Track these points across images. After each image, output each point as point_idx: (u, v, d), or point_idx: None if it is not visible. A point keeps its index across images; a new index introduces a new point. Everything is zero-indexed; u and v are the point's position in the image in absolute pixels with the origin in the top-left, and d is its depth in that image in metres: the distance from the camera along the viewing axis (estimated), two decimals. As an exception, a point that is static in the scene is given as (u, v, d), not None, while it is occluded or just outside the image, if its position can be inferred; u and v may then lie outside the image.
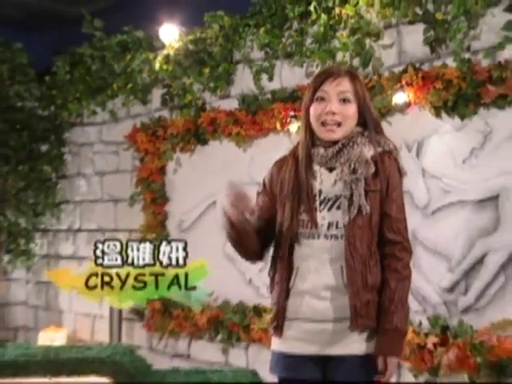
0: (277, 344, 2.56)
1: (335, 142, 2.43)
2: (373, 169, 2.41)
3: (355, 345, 2.39)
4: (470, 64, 3.70)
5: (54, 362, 2.48)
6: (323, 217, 2.44)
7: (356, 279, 2.38)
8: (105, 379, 2.40)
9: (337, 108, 2.39)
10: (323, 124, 2.41)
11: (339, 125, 2.41)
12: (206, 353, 5.31)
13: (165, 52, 5.48)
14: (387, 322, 2.36)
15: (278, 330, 2.51)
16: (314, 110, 2.43)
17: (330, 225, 2.43)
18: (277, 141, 4.75)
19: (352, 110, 2.43)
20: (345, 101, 2.41)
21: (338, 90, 2.42)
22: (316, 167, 2.48)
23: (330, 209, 2.44)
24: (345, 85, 2.43)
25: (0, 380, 2.69)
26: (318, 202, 2.45)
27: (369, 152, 2.43)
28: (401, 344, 2.41)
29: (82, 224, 6.60)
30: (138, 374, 2.41)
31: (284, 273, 2.49)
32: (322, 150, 2.44)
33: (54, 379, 2.50)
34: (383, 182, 2.41)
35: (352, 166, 2.41)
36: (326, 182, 2.46)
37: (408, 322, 2.50)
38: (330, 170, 2.46)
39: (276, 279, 2.55)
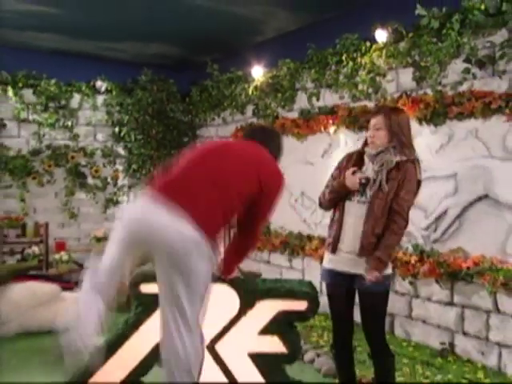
0: (326, 263, 2.56)
1: (376, 149, 2.48)
2: (393, 165, 2.40)
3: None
4: (441, 93, 3.67)
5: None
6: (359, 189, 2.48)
7: (368, 228, 2.40)
8: (224, 285, 2.45)
9: (371, 133, 2.49)
10: (368, 140, 2.53)
11: (372, 142, 2.49)
12: (279, 260, 5.30)
13: (255, 83, 5.42)
14: (376, 253, 2.37)
15: (332, 251, 2.52)
16: (367, 133, 2.54)
17: (361, 194, 2.46)
18: (321, 137, 4.79)
19: (382, 134, 2.46)
20: (376, 129, 2.48)
21: (373, 122, 2.49)
22: (366, 160, 2.52)
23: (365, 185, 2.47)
24: (379, 119, 2.48)
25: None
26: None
27: (395, 158, 2.41)
28: (380, 266, 2.36)
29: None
30: (244, 282, 2.51)
31: (339, 218, 2.51)
32: (370, 151, 2.50)
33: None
34: (401, 175, 2.39)
35: (381, 163, 2.43)
36: (368, 169, 2.49)
37: (390, 257, 2.42)
38: (371, 162, 2.48)
39: (334, 220, 2.54)
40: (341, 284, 2.52)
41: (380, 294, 2.46)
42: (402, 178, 2.39)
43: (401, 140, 2.45)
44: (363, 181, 2.44)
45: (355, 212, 2.47)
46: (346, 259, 2.48)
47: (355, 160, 2.57)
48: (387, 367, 2.53)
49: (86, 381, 2.44)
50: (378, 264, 2.37)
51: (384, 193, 2.40)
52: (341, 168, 2.60)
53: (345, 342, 2.59)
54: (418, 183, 2.46)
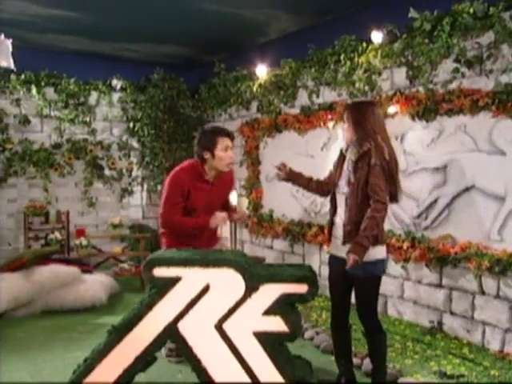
0: (329, 249, 2.65)
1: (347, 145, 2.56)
2: (356, 156, 2.43)
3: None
4: (432, 91, 3.64)
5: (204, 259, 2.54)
6: (342, 181, 2.52)
7: (346, 217, 2.45)
8: (231, 270, 2.47)
9: (344, 127, 2.57)
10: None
11: (345, 136, 2.58)
12: (281, 246, 5.25)
13: (259, 81, 5.38)
14: (357, 239, 2.36)
15: (329, 239, 2.61)
16: None
17: (344, 186, 2.50)
18: (321, 132, 4.76)
19: (348, 128, 2.53)
20: (346, 123, 2.55)
21: (345, 117, 2.57)
22: (347, 155, 2.55)
23: (345, 177, 2.51)
24: (345, 115, 2.56)
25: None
26: (343, 173, 2.54)
27: (360, 149, 2.44)
28: (357, 250, 2.33)
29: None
30: (249, 267, 2.51)
31: (332, 208, 2.59)
32: (347, 146, 2.56)
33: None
34: (367, 163, 2.40)
35: (349, 156, 2.49)
36: (346, 163, 2.53)
37: (369, 240, 2.35)
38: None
39: (329, 209, 2.61)
40: (337, 268, 2.55)
41: (368, 279, 2.46)
42: (368, 164, 2.40)
43: (365, 130, 2.45)
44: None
45: (340, 202, 2.53)
46: (339, 245, 2.52)
47: (340, 156, 2.62)
48: (379, 344, 2.55)
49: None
50: (355, 248, 2.34)
51: (352, 182, 2.42)
52: (333, 164, 2.67)
53: (341, 321, 2.62)
54: (384, 165, 2.41)
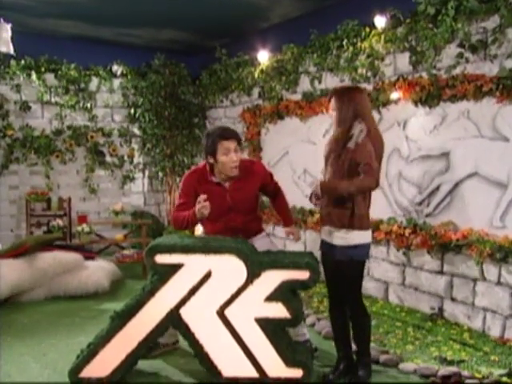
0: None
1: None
2: (340, 138, 2.43)
3: (335, 238, 2.47)
4: (435, 76, 3.61)
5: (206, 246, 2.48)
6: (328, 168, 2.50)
7: (327, 198, 2.45)
8: (233, 256, 2.49)
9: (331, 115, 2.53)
10: None
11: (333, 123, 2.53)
12: (282, 233, 5.23)
13: (260, 67, 5.35)
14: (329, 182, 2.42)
15: (321, 224, 2.60)
16: None
17: (328, 172, 2.48)
18: (322, 118, 4.70)
19: (335, 114, 2.49)
20: (333, 110, 2.51)
21: (331, 105, 2.52)
22: None
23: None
24: (332, 101, 2.50)
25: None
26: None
27: (345, 130, 2.43)
28: (324, 185, 2.39)
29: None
30: (251, 254, 2.53)
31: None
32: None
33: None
34: (353, 145, 2.36)
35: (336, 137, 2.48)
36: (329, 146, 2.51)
37: (341, 189, 2.36)
38: None
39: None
40: (327, 252, 2.57)
41: (349, 263, 2.47)
42: (355, 146, 2.36)
43: (352, 112, 2.42)
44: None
45: None
46: (326, 230, 2.55)
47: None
48: (363, 326, 2.59)
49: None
50: (323, 183, 2.38)
51: (336, 163, 2.40)
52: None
53: (338, 306, 2.63)
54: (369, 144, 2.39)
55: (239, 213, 2.84)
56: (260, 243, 2.86)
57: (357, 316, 2.57)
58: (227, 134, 2.79)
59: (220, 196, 2.79)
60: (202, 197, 2.60)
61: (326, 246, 2.57)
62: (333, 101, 2.49)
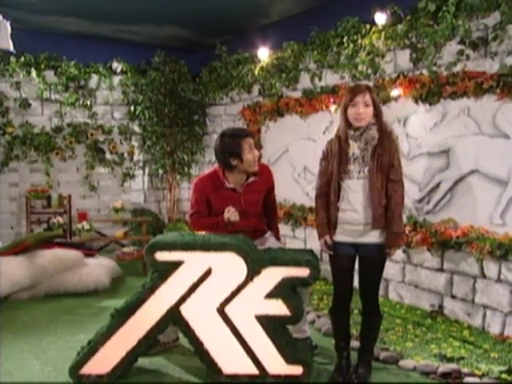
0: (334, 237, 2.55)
1: (359, 127, 2.43)
2: (376, 141, 2.43)
3: (373, 237, 2.46)
4: (436, 73, 3.59)
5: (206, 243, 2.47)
6: (355, 167, 2.46)
7: (375, 201, 2.41)
8: (233, 254, 2.49)
9: (362, 110, 2.42)
10: (356, 118, 2.43)
11: (363, 118, 2.43)
12: (283, 230, 5.08)
13: (260, 64, 5.33)
14: (392, 228, 2.42)
15: (332, 230, 2.54)
16: (350, 111, 2.44)
17: (358, 171, 2.45)
18: (323, 116, 4.71)
19: (370, 110, 2.44)
20: (366, 105, 2.43)
21: (363, 99, 2.42)
22: (350, 141, 2.47)
23: (358, 163, 2.45)
24: (367, 96, 2.44)
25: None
26: (351, 160, 2.46)
27: (378, 133, 2.43)
28: (398, 240, 2.48)
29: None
30: (251, 251, 2.52)
31: (335, 199, 2.50)
32: (352, 132, 2.46)
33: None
34: (388, 148, 2.42)
35: (366, 141, 2.44)
36: (355, 149, 2.46)
37: (402, 226, 2.51)
38: (355, 142, 2.46)
39: (331, 201, 2.52)
40: (346, 255, 2.53)
41: (382, 260, 2.51)
42: (391, 149, 2.43)
43: (381, 115, 2.48)
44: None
45: (355, 188, 2.46)
46: (350, 230, 2.49)
47: (338, 145, 2.51)
48: (374, 325, 2.59)
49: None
50: (397, 238, 2.46)
51: (377, 166, 2.40)
52: (328, 158, 2.55)
53: (345, 307, 2.63)
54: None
55: (251, 215, 2.90)
56: (272, 241, 2.97)
57: (371, 314, 2.57)
58: (247, 131, 2.97)
59: (235, 201, 2.84)
60: (231, 209, 2.75)
61: (349, 248, 2.52)
62: (367, 96, 2.44)
